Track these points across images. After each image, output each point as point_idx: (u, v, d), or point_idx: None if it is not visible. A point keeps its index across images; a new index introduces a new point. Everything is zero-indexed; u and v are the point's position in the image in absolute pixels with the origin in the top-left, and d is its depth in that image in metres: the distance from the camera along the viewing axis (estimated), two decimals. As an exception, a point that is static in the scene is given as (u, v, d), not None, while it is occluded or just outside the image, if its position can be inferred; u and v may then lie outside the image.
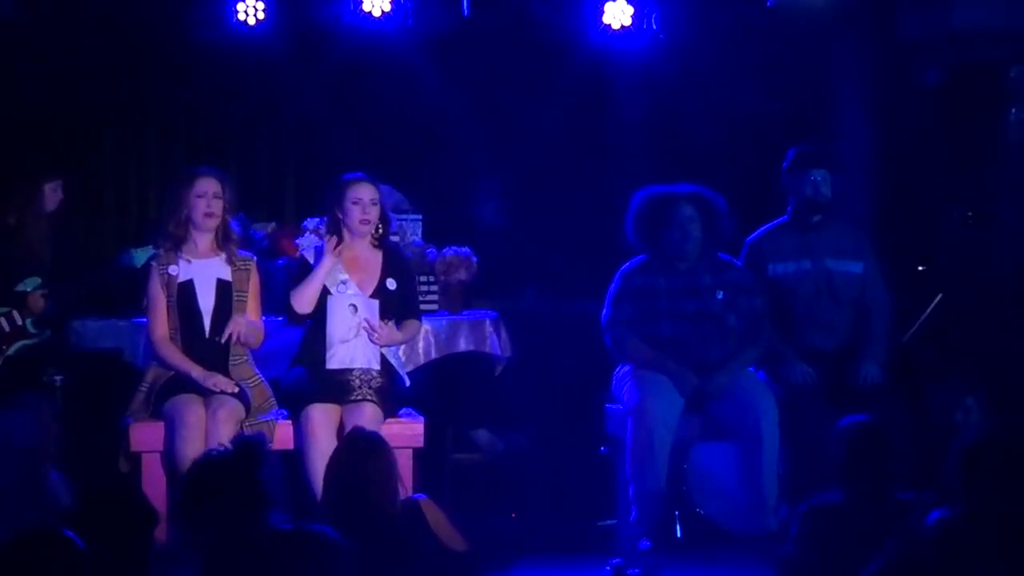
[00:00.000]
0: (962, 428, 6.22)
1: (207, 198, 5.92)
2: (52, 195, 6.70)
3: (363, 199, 6.06)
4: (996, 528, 3.97)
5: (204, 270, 5.94)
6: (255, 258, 6.13)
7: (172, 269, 5.90)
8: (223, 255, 5.97)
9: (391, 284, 6.07)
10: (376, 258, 6.12)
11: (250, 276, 6.00)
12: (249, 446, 4.12)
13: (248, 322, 5.93)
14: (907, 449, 5.16)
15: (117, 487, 4.18)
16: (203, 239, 5.96)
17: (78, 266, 6.68)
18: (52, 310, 6.54)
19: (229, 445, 4.26)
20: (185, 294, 5.89)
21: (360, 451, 4.74)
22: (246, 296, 5.97)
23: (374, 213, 6.09)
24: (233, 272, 5.97)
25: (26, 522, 3.89)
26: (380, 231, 6.14)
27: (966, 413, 6.39)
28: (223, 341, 5.89)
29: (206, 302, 5.91)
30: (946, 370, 6.90)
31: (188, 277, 5.91)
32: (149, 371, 5.95)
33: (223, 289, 5.94)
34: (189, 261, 5.92)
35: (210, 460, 4.09)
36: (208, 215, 5.92)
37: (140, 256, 6.08)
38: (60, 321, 6.67)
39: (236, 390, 5.83)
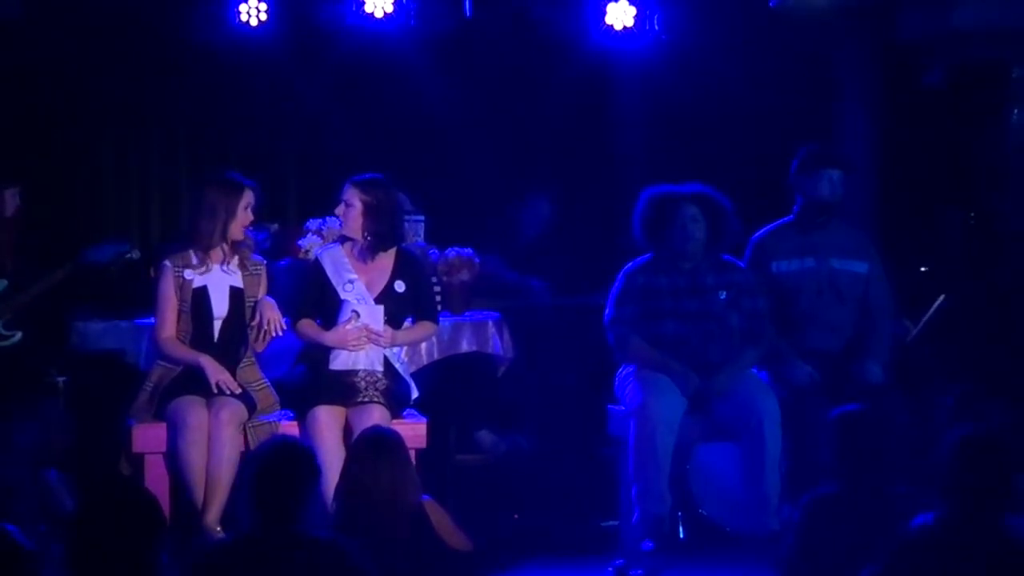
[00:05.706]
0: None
1: (250, 210, 5.95)
2: (10, 201, 6.65)
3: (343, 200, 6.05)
4: (970, 535, 4.01)
5: (219, 277, 5.94)
6: (265, 262, 6.14)
7: (188, 274, 5.90)
8: (236, 259, 5.99)
9: (399, 287, 6.03)
10: (388, 258, 6.08)
11: (260, 281, 6.01)
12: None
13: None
14: (907, 447, 5.18)
15: (125, 489, 4.15)
16: (227, 244, 5.96)
17: (52, 266, 6.65)
18: (17, 313, 6.53)
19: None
20: (199, 300, 5.90)
21: (380, 449, 4.77)
22: (256, 301, 5.99)
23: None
24: (245, 277, 5.98)
25: (25, 523, 3.89)
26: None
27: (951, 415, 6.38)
28: (251, 325, 5.88)
29: (219, 309, 5.92)
30: (947, 371, 6.90)
31: (203, 283, 5.92)
32: (155, 371, 5.95)
33: (236, 297, 5.96)
34: (206, 266, 5.92)
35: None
36: (247, 226, 5.97)
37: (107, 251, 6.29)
38: (50, 321, 6.65)
39: (239, 391, 5.83)
